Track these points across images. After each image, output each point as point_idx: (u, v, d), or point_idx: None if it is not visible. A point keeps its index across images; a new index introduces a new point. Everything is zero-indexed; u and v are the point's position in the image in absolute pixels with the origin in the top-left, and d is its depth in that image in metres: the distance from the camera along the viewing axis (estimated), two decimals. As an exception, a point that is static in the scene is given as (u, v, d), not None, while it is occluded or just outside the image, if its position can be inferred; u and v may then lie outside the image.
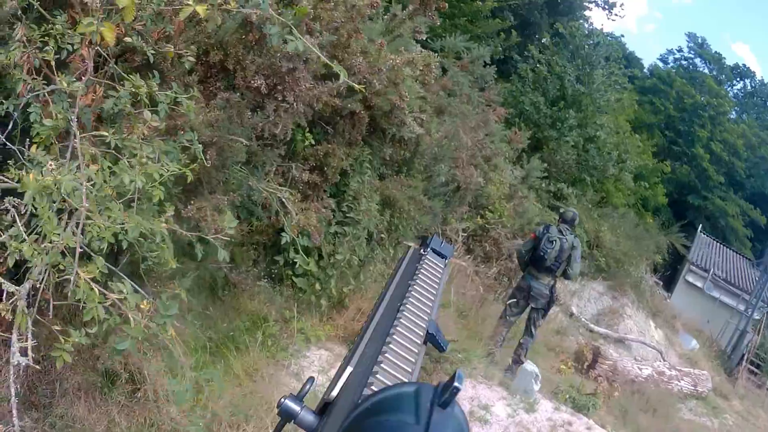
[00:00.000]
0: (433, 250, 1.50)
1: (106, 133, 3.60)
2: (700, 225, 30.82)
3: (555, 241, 8.90)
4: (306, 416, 0.98)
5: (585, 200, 19.36)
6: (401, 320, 1.13)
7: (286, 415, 1.00)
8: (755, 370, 22.51)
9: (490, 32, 18.13)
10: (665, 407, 12.40)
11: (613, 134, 21.34)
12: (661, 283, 25.79)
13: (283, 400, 1.00)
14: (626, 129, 24.00)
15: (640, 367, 13.68)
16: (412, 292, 1.29)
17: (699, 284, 27.50)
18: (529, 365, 8.64)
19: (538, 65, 20.43)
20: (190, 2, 3.49)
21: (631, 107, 24.23)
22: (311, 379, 1.11)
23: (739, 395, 18.82)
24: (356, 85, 4.30)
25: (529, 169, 14.84)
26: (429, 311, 1.20)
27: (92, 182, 3.31)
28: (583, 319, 15.83)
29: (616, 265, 18.33)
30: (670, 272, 28.49)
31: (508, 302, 9.24)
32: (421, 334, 1.13)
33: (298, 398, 1.01)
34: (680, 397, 14.38)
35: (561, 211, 10.08)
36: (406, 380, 0.91)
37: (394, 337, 1.08)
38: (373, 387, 0.99)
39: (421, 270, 1.35)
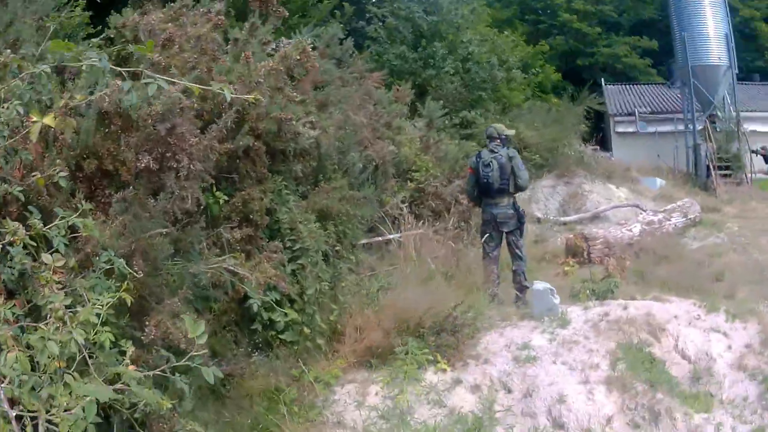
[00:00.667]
0: None
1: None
2: (602, 79, 31.11)
3: (490, 162, 8.74)
4: None
5: (490, 115, 19.30)
6: None
7: None
8: (727, 172, 22.92)
9: (326, 17, 17.78)
10: (673, 249, 12.38)
11: (484, 43, 21.26)
12: (598, 147, 25.89)
13: None
14: (491, 33, 23.99)
15: (629, 228, 13.65)
16: None
17: (631, 129, 27.98)
18: (537, 284, 8.38)
19: (385, 19, 20.25)
20: (35, 118, 3.17)
21: (485, 11, 24.26)
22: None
23: (726, 201, 19.23)
24: (248, 96, 3.92)
25: (429, 113, 14.65)
26: None
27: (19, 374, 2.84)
28: (551, 218, 15.86)
29: (551, 154, 18.54)
30: (600, 134, 28.72)
31: (483, 240, 9.00)
32: None
33: None
34: (679, 233, 14.44)
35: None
36: None
37: None
38: None
39: None
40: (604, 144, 28.30)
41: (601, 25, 39.25)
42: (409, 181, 11.62)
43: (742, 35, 34.84)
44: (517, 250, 8.90)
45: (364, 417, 5.80)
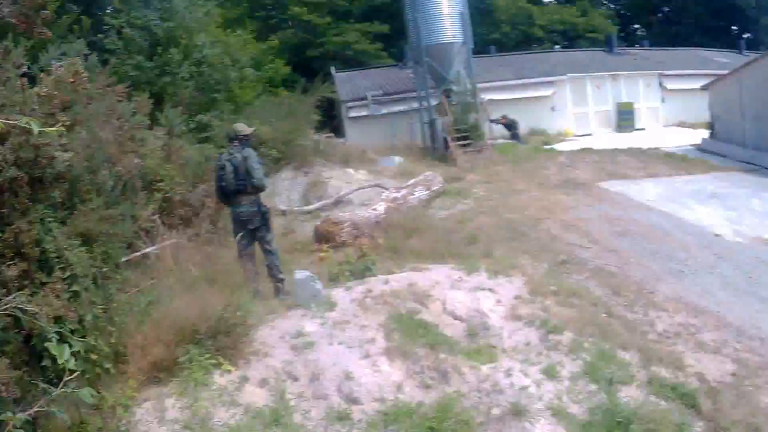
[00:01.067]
0: None
1: None
2: (332, 67, 31.72)
3: (224, 165, 8.92)
4: None
5: (225, 116, 19.15)
6: None
7: None
8: (466, 142, 23.68)
9: (63, 32, 16.77)
10: (422, 221, 13.03)
11: (216, 45, 21.08)
12: (333, 134, 26.41)
13: None
14: (222, 34, 23.80)
15: (374, 208, 13.91)
16: None
17: (364, 113, 28.35)
18: (298, 274, 8.65)
19: (122, 30, 19.51)
20: None
21: (216, 12, 23.95)
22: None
23: (468, 170, 20.36)
24: (29, 125, 3.68)
25: (168, 121, 14.37)
26: None
27: None
28: (296, 208, 15.90)
29: (287, 147, 18.62)
30: (334, 121, 29.67)
31: (235, 239, 9.08)
32: None
33: None
34: (425, 206, 15.12)
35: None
36: None
37: None
38: None
39: None
40: (339, 130, 28.74)
41: (331, 14, 39.73)
42: (156, 192, 11.39)
43: (478, 11, 36.98)
44: (267, 246, 9.09)
45: (170, 430, 5.80)
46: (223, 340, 6.75)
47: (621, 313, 8.47)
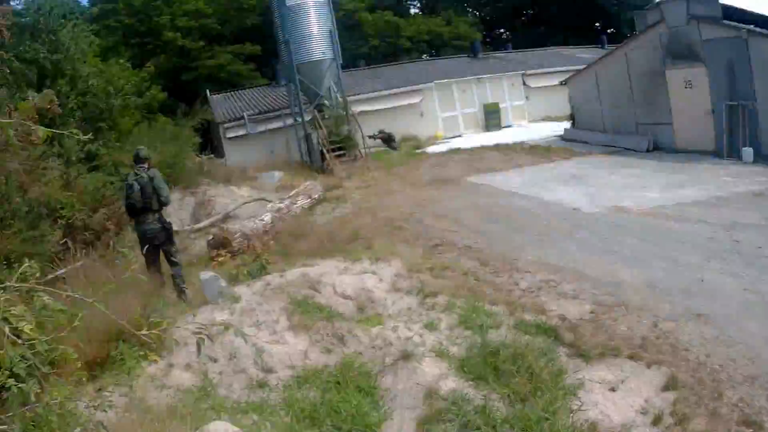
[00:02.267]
0: None
1: None
2: (207, 90, 32.48)
3: (132, 184, 9.75)
4: None
5: (111, 144, 19.48)
6: None
7: None
8: (341, 153, 25.06)
9: None
10: (306, 226, 14.23)
11: (99, 75, 21.23)
12: (213, 155, 26.94)
13: None
14: (101, 64, 23.80)
15: (261, 219, 14.74)
16: None
17: (242, 132, 28.94)
18: (204, 275, 9.58)
19: (12, 64, 19.43)
20: None
21: (94, 43, 23.90)
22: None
23: (345, 178, 21.59)
24: None
25: (68, 150, 14.78)
26: None
27: None
28: (186, 227, 16.58)
29: (173, 170, 19.12)
30: (213, 142, 30.14)
31: (143, 253, 9.72)
32: None
33: None
34: (308, 213, 16.32)
35: None
36: None
37: None
38: None
39: None
40: (218, 151, 29.16)
41: (204, 38, 40.42)
42: (57, 219, 11.88)
43: (346, 27, 38.00)
44: (172, 258, 10.04)
45: (114, 415, 6.39)
46: (146, 336, 7.59)
47: (489, 279, 9.82)
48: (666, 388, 6.34)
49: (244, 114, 29.17)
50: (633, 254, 10.45)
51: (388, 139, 28.88)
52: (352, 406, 6.40)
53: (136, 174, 9.81)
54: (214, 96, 32.37)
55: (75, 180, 13.54)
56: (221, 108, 30.69)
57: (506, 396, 6.31)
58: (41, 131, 3.68)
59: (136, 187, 9.71)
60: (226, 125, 29.04)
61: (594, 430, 5.80)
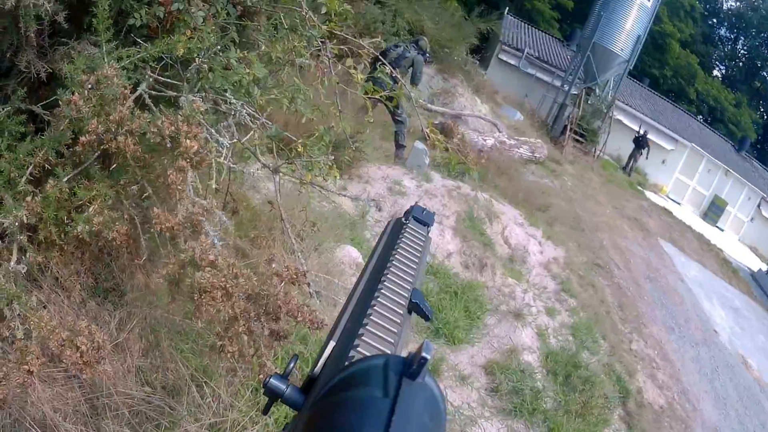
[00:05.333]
0: (415, 218, 1.33)
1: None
2: (506, 8, 31.89)
3: (397, 50, 10.95)
4: (292, 394, 0.92)
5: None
6: (383, 291, 1.04)
7: (273, 394, 0.93)
8: (579, 138, 24.94)
9: None
10: (513, 171, 14.49)
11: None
12: (478, 62, 26.92)
13: (268, 379, 0.93)
14: None
15: (484, 138, 15.13)
16: (394, 262, 1.19)
17: (513, 62, 29.21)
18: (418, 144, 10.50)
19: None
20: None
21: None
22: (295, 357, 1.08)
23: (569, 161, 21.68)
24: None
25: None
26: (412, 280, 1.10)
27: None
28: (420, 101, 16.54)
29: (440, 50, 19.40)
30: (483, 52, 29.94)
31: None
32: (404, 303, 1.03)
33: (284, 377, 0.95)
34: (522, 163, 16.53)
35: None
36: (389, 352, 0.86)
37: (376, 308, 0.97)
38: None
39: (403, 239, 1.21)
40: (481, 63, 28.86)
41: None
42: None
43: (654, 44, 37.18)
44: (398, 117, 10.82)
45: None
46: (343, 153, 7.95)
47: (614, 319, 10.16)
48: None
49: (525, 49, 29.45)
50: None
51: (639, 143, 28.81)
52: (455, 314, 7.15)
53: (407, 46, 11.08)
54: (509, 17, 32.34)
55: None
56: (509, 31, 30.97)
57: (558, 398, 6.85)
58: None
59: (400, 52, 10.88)
60: (504, 47, 29.45)
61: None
